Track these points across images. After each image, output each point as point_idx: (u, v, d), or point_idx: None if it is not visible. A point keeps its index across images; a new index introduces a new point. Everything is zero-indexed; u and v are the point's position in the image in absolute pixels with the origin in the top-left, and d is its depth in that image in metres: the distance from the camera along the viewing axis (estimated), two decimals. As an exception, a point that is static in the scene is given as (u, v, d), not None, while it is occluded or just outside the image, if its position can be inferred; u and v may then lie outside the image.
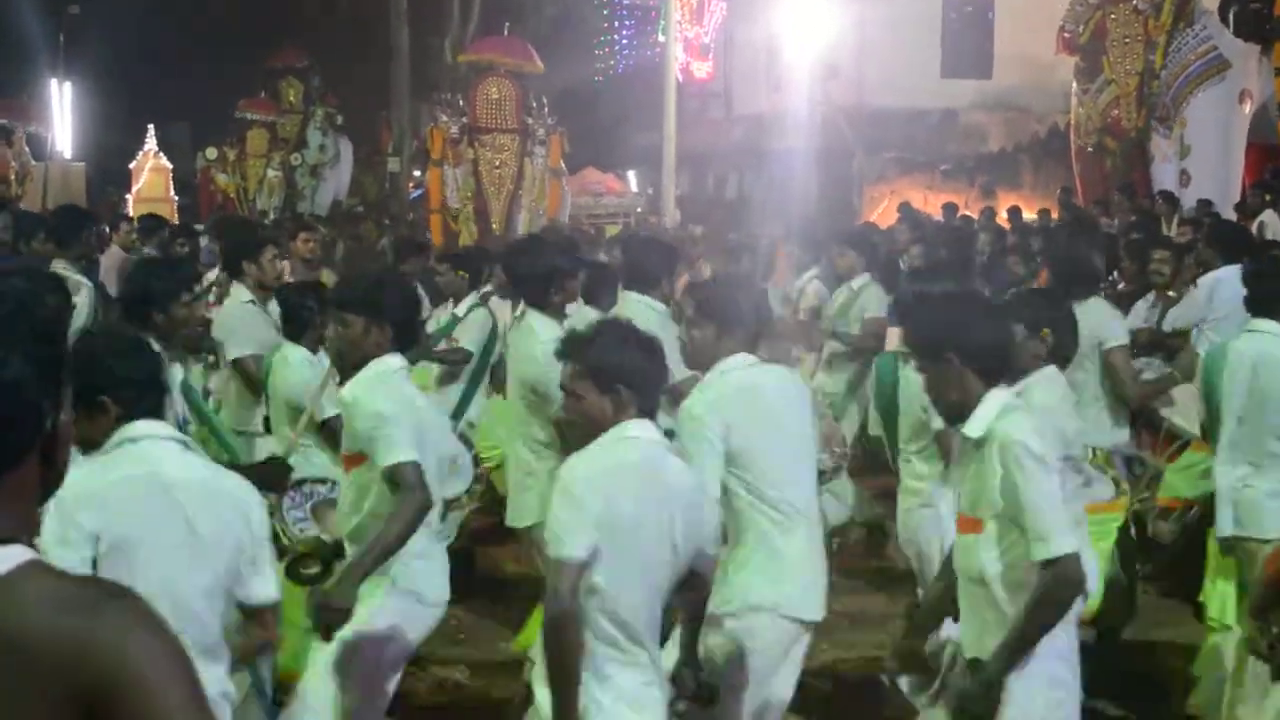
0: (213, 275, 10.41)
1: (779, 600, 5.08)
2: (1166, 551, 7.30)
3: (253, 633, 4.01)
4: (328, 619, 4.95)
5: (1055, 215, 20.45)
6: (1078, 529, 5.33)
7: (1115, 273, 11.06)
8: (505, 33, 24.24)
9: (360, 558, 5.03)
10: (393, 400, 5.13)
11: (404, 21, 36.25)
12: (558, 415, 6.30)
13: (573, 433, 4.54)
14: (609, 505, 4.05)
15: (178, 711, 1.86)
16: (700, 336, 5.28)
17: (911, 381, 6.72)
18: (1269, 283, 6.40)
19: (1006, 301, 6.10)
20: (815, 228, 14.20)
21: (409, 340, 5.40)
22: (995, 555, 4.23)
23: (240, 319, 8.10)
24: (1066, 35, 22.54)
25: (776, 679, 5.18)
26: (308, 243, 8.63)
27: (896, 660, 4.76)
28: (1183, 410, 7.51)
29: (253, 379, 7.67)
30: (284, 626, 5.43)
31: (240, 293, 8.30)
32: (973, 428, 4.29)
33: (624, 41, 39.98)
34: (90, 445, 3.79)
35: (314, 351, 7.03)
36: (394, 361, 5.28)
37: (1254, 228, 15.61)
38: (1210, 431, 6.53)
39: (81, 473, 3.37)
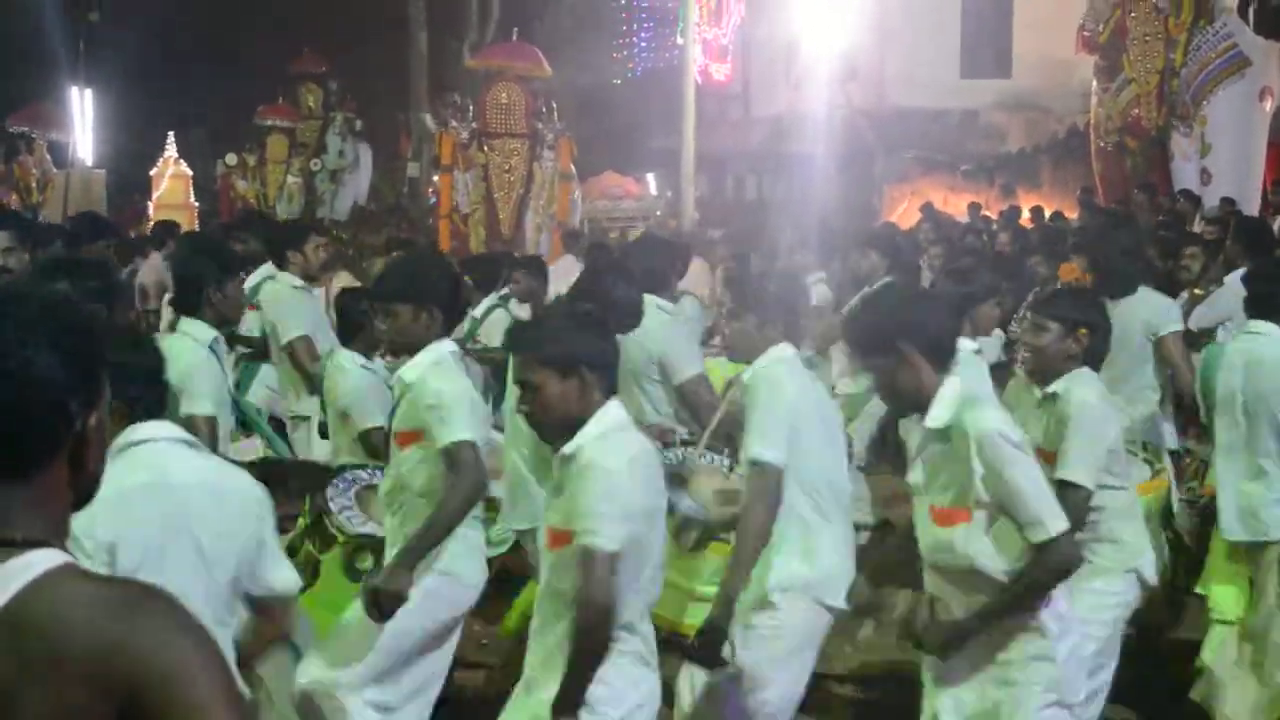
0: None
1: (812, 583, 5.14)
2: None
3: (264, 630, 3.98)
4: (383, 604, 4.98)
5: (1075, 215, 20.38)
6: (1137, 516, 5.39)
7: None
8: (514, 38, 24.53)
9: (414, 541, 5.07)
10: (452, 382, 5.19)
11: (423, 26, 36.33)
12: None
13: (538, 428, 4.42)
14: (640, 496, 4.09)
15: (213, 711, 1.86)
16: (742, 327, 5.36)
17: None
18: (1266, 285, 6.41)
19: (1042, 300, 6.07)
20: (829, 229, 14.14)
21: (457, 319, 5.44)
22: (988, 543, 4.21)
23: (291, 302, 8.16)
24: (1086, 34, 22.49)
25: (798, 663, 5.22)
26: (318, 250, 8.65)
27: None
28: None
29: (303, 365, 7.72)
30: (329, 614, 5.48)
31: (288, 278, 8.33)
32: (935, 418, 4.27)
33: (642, 44, 40.00)
34: None
35: (369, 356, 7.00)
36: (448, 346, 5.34)
37: (1276, 225, 15.55)
38: (1208, 430, 6.52)
39: None
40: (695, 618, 5.30)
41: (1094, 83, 22.67)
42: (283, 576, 3.89)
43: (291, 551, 5.26)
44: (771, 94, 35.46)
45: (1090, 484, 5.06)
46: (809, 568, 5.13)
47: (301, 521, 6.00)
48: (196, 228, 24.68)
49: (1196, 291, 9.24)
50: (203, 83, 39.38)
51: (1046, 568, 4.15)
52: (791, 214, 19.69)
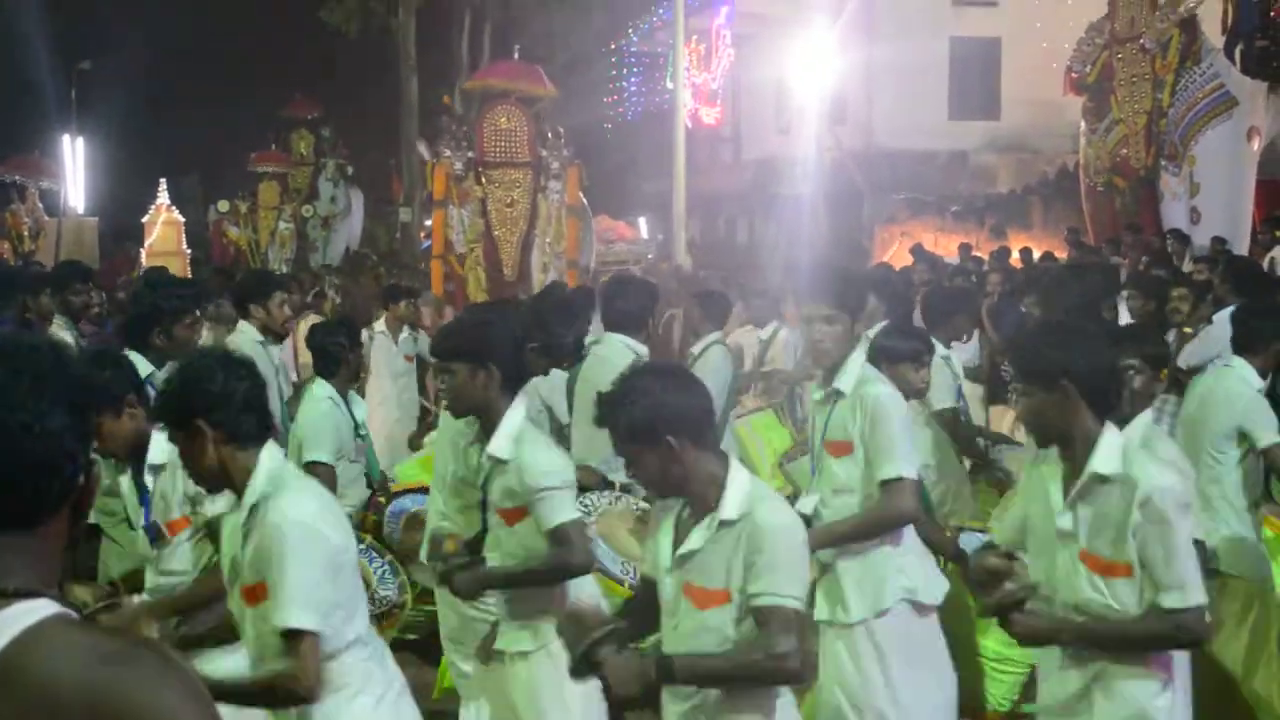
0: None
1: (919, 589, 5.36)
2: None
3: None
4: (450, 586, 5.12)
5: (1064, 255, 20.44)
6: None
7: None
8: (515, 56, 22.21)
9: (507, 572, 5.04)
10: (554, 460, 5.01)
11: (413, 71, 36.49)
12: None
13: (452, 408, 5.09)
14: None
15: None
16: (835, 331, 5.47)
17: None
18: (1249, 323, 6.57)
19: (1121, 336, 6.12)
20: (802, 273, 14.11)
21: (520, 378, 5.23)
22: (1136, 600, 4.18)
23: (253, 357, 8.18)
24: (1074, 76, 22.61)
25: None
26: (283, 305, 8.66)
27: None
28: None
29: None
30: None
31: (250, 331, 8.38)
32: (1103, 464, 4.21)
33: (632, 89, 40.18)
34: None
35: (345, 390, 7.10)
36: (520, 414, 5.10)
37: (1265, 264, 15.59)
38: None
39: None
40: None
41: (1082, 123, 22.79)
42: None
43: None
44: (761, 137, 35.65)
45: None
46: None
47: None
48: (189, 274, 24.69)
49: (1186, 330, 9.28)
50: (194, 130, 39.54)
51: (1174, 636, 4.17)
52: (783, 255, 19.72)
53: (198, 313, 6.95)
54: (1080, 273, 12.98)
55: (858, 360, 5.46)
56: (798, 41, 30.23)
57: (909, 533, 5.39)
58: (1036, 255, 21.15)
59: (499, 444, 4.99)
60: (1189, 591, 4.10)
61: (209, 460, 3.95)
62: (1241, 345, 6.52)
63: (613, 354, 7.09)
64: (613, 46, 39.76)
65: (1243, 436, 6.28)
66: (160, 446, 4.90)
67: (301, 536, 3.90)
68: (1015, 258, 20.93)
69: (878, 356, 5.95)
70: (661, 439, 3.97)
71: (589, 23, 39.60)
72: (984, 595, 4.33)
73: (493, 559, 5.13)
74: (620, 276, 11.23)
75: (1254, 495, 6.42)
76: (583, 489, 6.28)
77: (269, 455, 4.04)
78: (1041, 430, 4.42)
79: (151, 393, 5.69)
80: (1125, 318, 10.85)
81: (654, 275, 19.38)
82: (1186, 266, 15.79)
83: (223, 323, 9.67)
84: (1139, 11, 21.37)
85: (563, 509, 4.88)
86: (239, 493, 4.04)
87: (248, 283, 9.20)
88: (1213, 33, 21.88)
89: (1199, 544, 4.83)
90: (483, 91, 21.10)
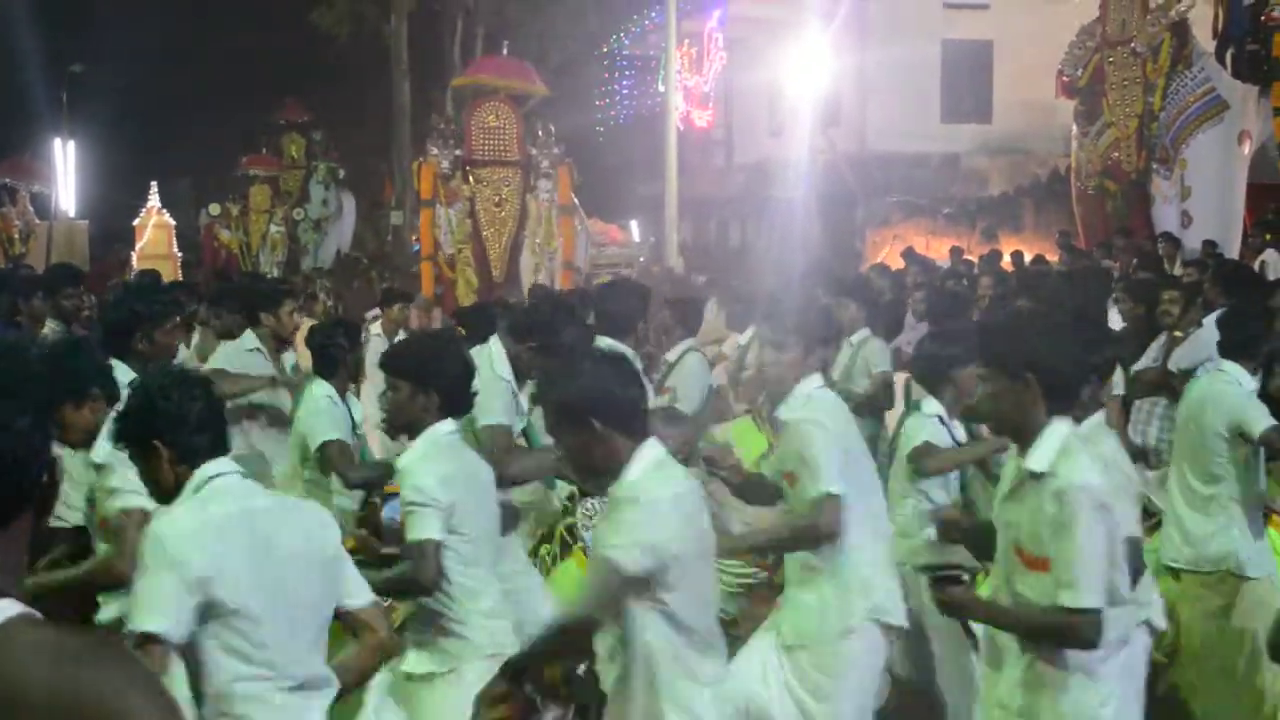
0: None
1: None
2: None
3: (366, 638, 4.02)
4: None
5: (1055, 258, 20.44)
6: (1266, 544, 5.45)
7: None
8: (504, 52, 21.97)
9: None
10: (429, 479, 5.03)
11: (405, 74, 36.45)
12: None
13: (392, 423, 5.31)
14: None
15: None
16: (784, 359, 5.56)
17: (903, 434, 6.75)
18: (1237, 328, 6.60)
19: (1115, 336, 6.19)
20: (808, 275, 14.10)
21: (460, 406, 5.32)
22: (1051, 595, 4.18)
23: (243, 364, 8.22)
24: (1065, 79, 22.64)
25: None
26: (292, 314, 8.77)
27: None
28: None
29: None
30: None
31: (248, 339, 8.38)
32: (1037, 461, 4.24)
33: (624, 92, 40.18)
34: None
35: (344, 389, 7.16)
36: (444, 428, 5.20)
37: (1255, 266, 15.60)
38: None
39: None
40: None
41: (1073, 127, 22.82)
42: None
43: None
44: (753, 140, 35.65)
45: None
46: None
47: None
48: (180, 277, 24.65)
49: (1177, 334, 9.28)
50: (186, 133, 39.52)
51: (1064, 636, 4.18)
52: (775, 257, 19.70)
53: (178, 318, 6.94)
54: (1077, 279, 13.00)
55: (804, 390, 5.53)
56: (790, 45, 30.24)
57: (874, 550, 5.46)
58: (1028, 258, 21.15)
59: (404, 456, 5.21)
60: (1082, 593, 4.08)
61: (166, 478, 3.95)
62: (1231, 349, 6.53)
63: None
64: (605, 50, 39.76)
65: (1241, 434, 6.29)
66: (103, 446, 4.90)
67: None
68: (1007, 261, 20.93)
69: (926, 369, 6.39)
70: (588, 421, 4.09)
71: (581, 26, 39.57)
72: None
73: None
74: (614, 280, 11.24)
75: (1259, 494, 6.44)
76: (583, 494, 6.31)
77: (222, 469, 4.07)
78: (997, 419, 4.48)
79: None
80: (1116, 322, 10.85)
81: (646, 279, 19.32)
82: (1177, 270, 15.79)
83: (225, 332, 9.67)
84: (1130, 15, 21.40)
85: (420, 525, 4.93)
86: None
87: (259, 292, 9.24)
88: (1204, 36, 21.90)
89: (1133, 541, 4.86)
90: (472, 89, 20.65)
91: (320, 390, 7.04)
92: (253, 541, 3.75)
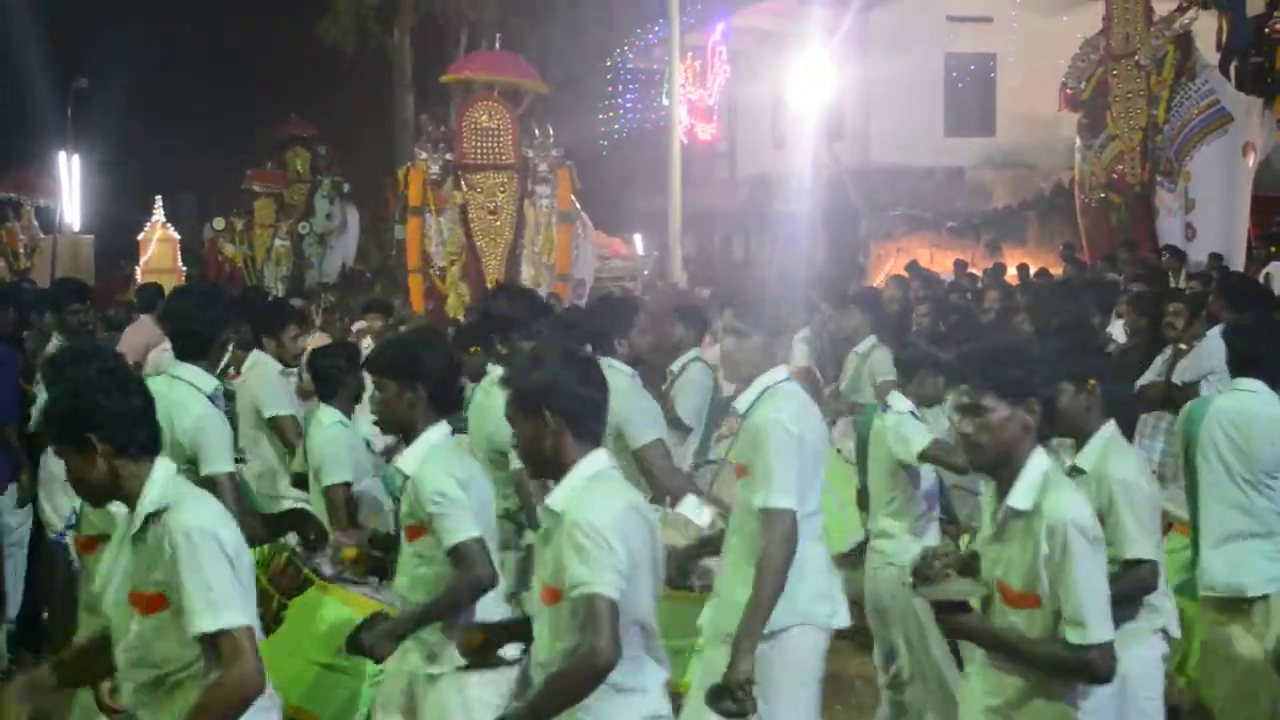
0: None
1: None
2: None
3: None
4: (361, 653, 5.03)
5: (1059, 271, 20.43)
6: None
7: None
8: (496, 46, 20.60)
9: (412, 616, 5.06)
10: (449, 482, 5.05)
11: (408, 89, 36.52)
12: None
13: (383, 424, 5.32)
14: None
15: None
16: (746, 346, 5.48)
17: (887, 434, 6.74)
18: (1249, 343, 6.35)
19: (1109, 357, 6.03)
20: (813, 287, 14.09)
21: (447, 401, 5.34)
22: (1040, 633, 4.13)
23: (279, 382, 8.26)
24: (1069, 92, 22.67)
25: None
26: (296, 338, 8.81)
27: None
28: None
29: (289, 439, 7.83)
30: (299, 660, 5.47)
31: (271, 362, 8.40)
32: (1018, 499, 4.14)
33: (628, 105, 40.16)
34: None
35: (348, 410, 7.12)
36: (439, 432, 5.22)
37: (1260, 279, 15.59)
38: (1187, 483, 6.45)
39: None
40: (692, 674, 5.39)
41: (1077, 139, 22.81)
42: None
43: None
44: (757, 153, 35.62)
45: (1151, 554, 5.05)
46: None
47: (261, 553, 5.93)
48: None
49: (1181, 346, 9.26)
50: (190, 147, 39.53)
51: (1080, 673, 4.11)
52: (779, 271, 19.64)
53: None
54: (1075, 290, 12.99)
55: (763, 382, 5.43)
56: (793, 58, 30.22)
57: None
58: (1032, 271, 21.15)
59: (405, 459, 5.18)
60: (1090, 628, 4.02)
61: (97, 473, 3.98)
62: (1245, 366, 6.28)
63: None
64: (608, 63, 39.75)
65: None
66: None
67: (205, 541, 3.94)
68: (1012, 274, 20.92)
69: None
70: (541, 412, 4.18)
71: (584, 40, 39.62)
72: (922, 584, 4.33)
73: (400, 580, 5.25)
74: (600, 296, 11.25)
75: None
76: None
77: (162, 467, 4.09)
78: (988, 450, 4.23)
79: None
80: (1120, 335, 10.84)
81: (651, 292, 19.18)
82: (1182, 282, 15.78)
83: (244, 344, 9.64)
84: (1134, 28, 21.42)
85: (460, 527, 4.94)
86: (130, 504, 4.07)
87: (263, 314, 9.26)
88: (1207, 49, 21.92)
89: (1137, 564, 4.81)
90: (463, 86, 19.01)
91: (329, 418, 6.95)
92: None
